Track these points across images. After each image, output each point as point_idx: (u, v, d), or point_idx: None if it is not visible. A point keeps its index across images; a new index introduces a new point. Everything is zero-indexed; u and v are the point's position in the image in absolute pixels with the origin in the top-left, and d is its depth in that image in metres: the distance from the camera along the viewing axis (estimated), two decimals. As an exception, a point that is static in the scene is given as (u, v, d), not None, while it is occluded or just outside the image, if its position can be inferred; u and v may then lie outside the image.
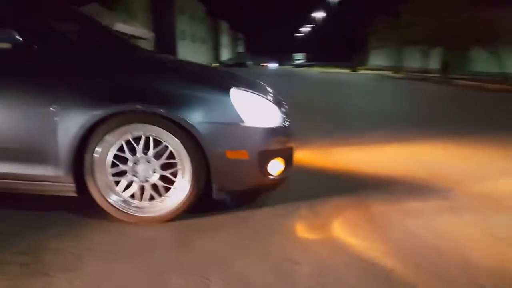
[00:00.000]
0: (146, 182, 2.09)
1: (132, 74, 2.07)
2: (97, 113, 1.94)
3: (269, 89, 2.92)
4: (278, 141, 2.29)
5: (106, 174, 2.05)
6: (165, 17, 34.09)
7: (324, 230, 2.17)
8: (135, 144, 2.05)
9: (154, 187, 2.11)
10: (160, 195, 2.10)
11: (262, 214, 2.37)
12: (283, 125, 2.36)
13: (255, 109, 2.20)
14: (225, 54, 63.69)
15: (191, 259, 1.81)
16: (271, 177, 2.26)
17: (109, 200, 2.07)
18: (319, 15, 65.60)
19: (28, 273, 1.66)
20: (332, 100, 9.83)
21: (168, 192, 2.11)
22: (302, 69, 50.04)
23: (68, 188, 2.04)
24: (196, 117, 2.02)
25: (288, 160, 2.40)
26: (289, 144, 2.43)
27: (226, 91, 2.12)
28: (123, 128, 2.00)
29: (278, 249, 1.94)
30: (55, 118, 1.93)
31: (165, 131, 2.01)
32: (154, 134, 2.04)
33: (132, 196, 2.10)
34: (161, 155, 2.07)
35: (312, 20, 71.66)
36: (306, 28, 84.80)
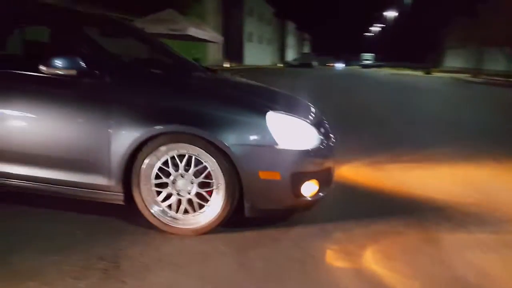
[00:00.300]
0: (183, 196, 2.26)
1: (178, 98, 2.25)
2: (146, 132, 2.15)
3: (312, 108, 2.96)
4: (313, 163, 2.34)
5: (149, 185, 2.26)
6: (234, 20, 35.03)
7: (354, 257, 2.15)
8: (178, 161, 2.24)
9: (190, 201, 2.28)
10: (194, 210, 2.27)
11: (295, 233, 2.42)
12: (320, 146, 2.40)
13: (290, 132, 2.26)
14: (291, 55, 63.69)
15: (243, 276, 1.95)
16: (304, 198, 2.32)
17: (150, 209, 2.28)
18: (390, 14, 62.80)
19: (106, 278, 1.86)
20: (401, 108, 9.40)
21: (202, 209, 2.26)
22: (371, 70, 48.34)
23: (118, 197, 2.28)
24: (231, 139, 2.14)
25: (324, 181, 2.43)
26: (326, 165, 2.46)
27: (262, 114, 2.22)
28: (168, 146, 2.19)
29: (300, 276, 1.99)
30: (110, 134, 2.18)
31: (204, 152, 2.17)
32: (196, 154, 2.20)
33: (169, 207, 2.29)
34: (201, 173, 2.23)
35: (382, 19, 68.85)
36: (375, 28, 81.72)
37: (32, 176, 2.31)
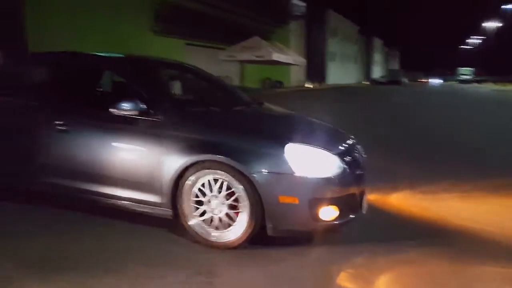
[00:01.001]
0: (216, 214, 2.67)
1: (213, 132, 2.71)
2: (188, 160, 2.63)
3: (344, 137, 3.19)
4: (331, 190, 2.57)
5: (190, 202, 2.72)
6: (317, 41, 35.51)
7: (365, 284, 2.25)
8: (213, 184, 2.66)
9: (220, 219, 2.65)
10: (224, 227, 2.65)
11: (317, 253, 2.65)
12: (341, 174, 2.63)
13: (307, 161, 2.55)
14: (377, 72, 61.65)
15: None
16: (323, 222, 2.56)
17: (189, 222, 2.72)
18: (491, 25, 57.26)
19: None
20: (501, 134, 8.55)
21: (230, 227, 2.63)
22: (470, 85, 44.40)
23: (167, 212, 2.78)
24: (255, 167, 2.50)
25: (346, 207, 2.65)
26: (348, 192, 2.68)
27: (282, 146, 2.55)
28: (204, 171, 2.64)
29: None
30: (162, 161, 2.71)
31: (232, 178, 2.57)
32: (226, 179, 2.60)
33: (205, 222, 2.70)
34: (230, 196, 2.61)
35: (481, 31, 63.04)
36: (473, 40, 74.95)
37: (104, 193, 2.95)
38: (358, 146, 3.30)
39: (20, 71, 3.69)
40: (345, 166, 2.70)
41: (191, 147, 2.65)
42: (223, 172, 2.58)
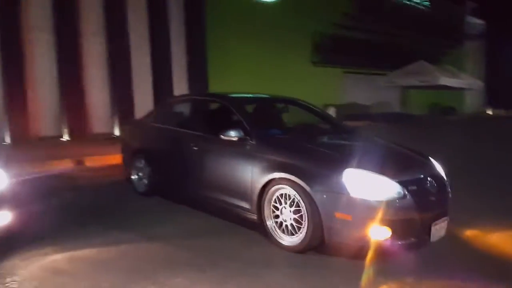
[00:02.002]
0: (286, 222, 3.26)
1: (290, 155, 3.36)
2: (268, 176, 3.34)
3: (418, 162, 3.44)
4: (384, 212, 2.86)
5: (269, 209, 3.39)
6: (498, 63, 30.73)
7: None
8: (287, 197, 3.26)
9: (287, 227, 3.24)
10: (291, 234, 3.22)
11: (370, 267, 2.93)
12: (398, 198, 2.90)
13: (363, 185, 2.92)
14: None
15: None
16: (374, 240, 2.87)
17: (268, 223, 3.39)
18: None
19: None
20: None
21: (296, 234, 3.18)
22: None
23: (254, 216, 3.54)
24: (316, 187, 3.02)
25: (400, 230, 2.89)
26: (405, 216, 2.91)
27: (341, 170, 3.00)
28: (280, 186, 3.29)
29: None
30: (252, 176, 3.49)
31: (298, 193, 3.14)
32: (294, 194, 3.19)
33: (279, 226, 3.32)
34: (297, 209, 3.18)
35: None
36: None
37: (210, 197, 3.95)
38: (443, 177, 3.39)
39: (176, 109, 5.24)
40: (406, 192, 2.93)
41: (272, 166, 3.37)
42: (291, 189, 3.19)
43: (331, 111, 15.46)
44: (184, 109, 4.90)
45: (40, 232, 3.60)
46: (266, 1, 15.20)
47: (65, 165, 7.04)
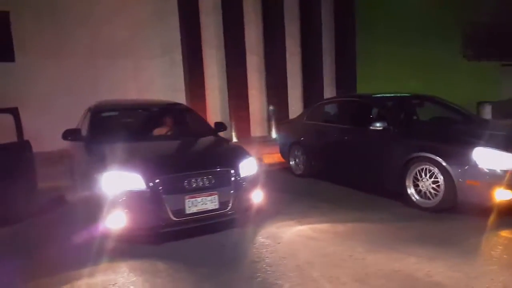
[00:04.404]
0: (424, 189, 4.21)
1: (425, 137, 4.35)
2: (409, 155, 4.33)
3: None
4: (507, 178, 3.63)
5: (410, 180, 4.37)
6: None
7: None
8: (426, 171, 4.20)
9: (425, 193, 4.19)
10: (429, 198, 4.17)
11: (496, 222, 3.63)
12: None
13: (488, 158, 3.75)
14: None
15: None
16: (498, 200, 3.67)
17: (409, 191, 4.37)
18: None
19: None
20: None
21: (433, 198, 4.12)
22: None
23: (395, 187, 4.56)
24: (452, 162, 3.93)
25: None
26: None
27: (472, 149, 3.84)
28: (420, 163, 4.25)
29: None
30: (394, 155, 4.52)
31: (436, 167, 4.06)
32: (433, 169, 4.11)
33: (419, 194, 4.29)
34: (435, 180, 4.10)
35: None
36: None
37: (360, 174, 5.15)
38: None
39: (325, 109, 6.63)
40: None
41: (410, 148, 4.38)
42: (431, 164, 4.14)
43: (487, 109, 14.46)
44: (332, 108, 6.25)
45: (278, 208, 4.47)
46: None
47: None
